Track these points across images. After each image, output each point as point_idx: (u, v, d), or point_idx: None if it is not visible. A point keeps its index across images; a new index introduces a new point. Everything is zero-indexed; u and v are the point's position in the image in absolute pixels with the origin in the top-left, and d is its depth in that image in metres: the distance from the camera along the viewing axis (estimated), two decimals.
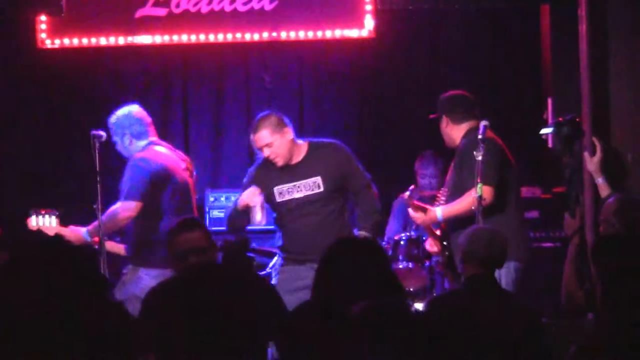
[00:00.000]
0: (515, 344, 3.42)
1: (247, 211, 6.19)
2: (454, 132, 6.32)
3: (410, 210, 6.38)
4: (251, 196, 6.16)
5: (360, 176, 6.35)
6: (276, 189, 6.25)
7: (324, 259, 3.63)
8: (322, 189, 6.24)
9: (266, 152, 6.21)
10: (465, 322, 3.52)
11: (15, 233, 7.43)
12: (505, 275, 5.92)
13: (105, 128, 6.67)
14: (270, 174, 6.28)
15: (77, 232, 6.53)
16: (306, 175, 6.23)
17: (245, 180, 6.41)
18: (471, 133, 6.22)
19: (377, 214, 6.40)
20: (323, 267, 3.60)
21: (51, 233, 6.26)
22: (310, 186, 6.25)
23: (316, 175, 6.24)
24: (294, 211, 6.23)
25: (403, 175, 8.26)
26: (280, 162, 6.21)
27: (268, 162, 6.27)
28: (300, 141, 6.30)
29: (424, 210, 6.27)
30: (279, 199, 6.26)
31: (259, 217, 6.16)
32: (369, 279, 3.51)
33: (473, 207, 5.92)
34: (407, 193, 6.47)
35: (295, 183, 6.24)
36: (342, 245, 3.76)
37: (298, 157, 6.26)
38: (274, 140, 6.19)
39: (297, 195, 6.24)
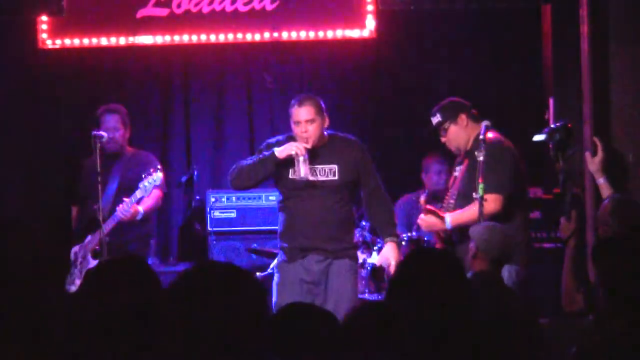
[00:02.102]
0: (512, 343, 3.41)
1: (279, 163, 6.20)
2: (471, 132, 6.29)
3: (422, 215, 6.31)
4: (301, 147, 6.18)
5: (374, 177, 6.47)
6: (292, 170, 6.27)
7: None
8: (336, 177, 6.32)
9: (303, 128, 6.25)
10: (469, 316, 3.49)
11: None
12: (507, 279, 5.91)
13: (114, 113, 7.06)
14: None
15: (136, 209, 7.02)
16: (325, 161, 6.31)
17: (262, 147, 6.40)
18: (485, 136, 6.23)
19: (394, 216, 6.53)
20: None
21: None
22: (326, 172, 6.32)
23: (334, 164, 6.32)
24: (305, 191, 6.26)
25: (404, 175, 8.26)
26: (310, 142, 6.26)
27: (284, 141, 6.30)
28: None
29: (437, 216, 6.23)
30: (292, 176, 6.27)
31: (304, 170, 6.17)
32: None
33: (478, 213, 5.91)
34: (423, 198, 6.43)
35: (312, 166, 6.28)
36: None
37: (320, 143, 6.32)
38: (316, 120, 6.27)
39: (312, 178, 6.28)
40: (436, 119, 6.36)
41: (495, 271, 5.38)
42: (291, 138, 6.33)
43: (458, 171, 6.40)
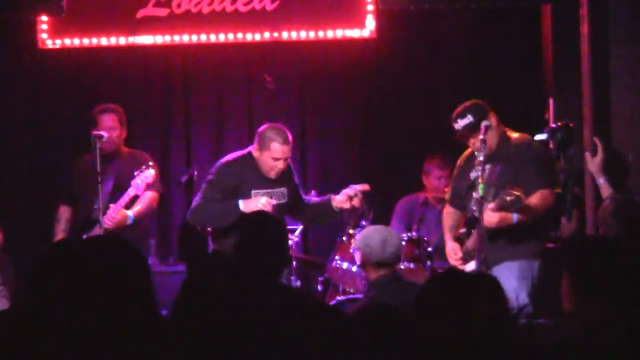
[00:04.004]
0: None
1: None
2: (499, 133, 6.28)
3: (489, 212, 6.21)
4: (267, 204, 6.37)
5: (301, 187, 6.82)
6: (254, 192, 6.50)
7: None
8: (286, 200, 6.59)
9: (280, 165, 6.48)
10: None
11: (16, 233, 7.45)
12: (530, 273, 6.00)
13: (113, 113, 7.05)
14: (247, 176, 6.51)
15: (125, 215, 6.97)
16: (277, 184, 6.55)
17: (215, 177, 6.57)
18: (508, 134, 6.22)
19: None
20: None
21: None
22: (279, 195, 6.59)
23: (284, 186, 6.59)
24: None
25: (405, 176, 8.26)
26: (279, 174, 6.51)
27: (243, 164, 6.51)
28: None
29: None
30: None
31: None
32: None
33: (542, 208, 5.95)
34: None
35: (269, 190, 6.53)
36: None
37: None
38: (290, 154, 6.56)
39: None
40: (467, 120, 6.22)
41: (394, 273, 5.52)
42: (236, 163, 6.54)
43: (479, 170, 6.33)
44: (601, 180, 6.33)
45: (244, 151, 6.67)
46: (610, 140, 6.80)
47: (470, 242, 6.16)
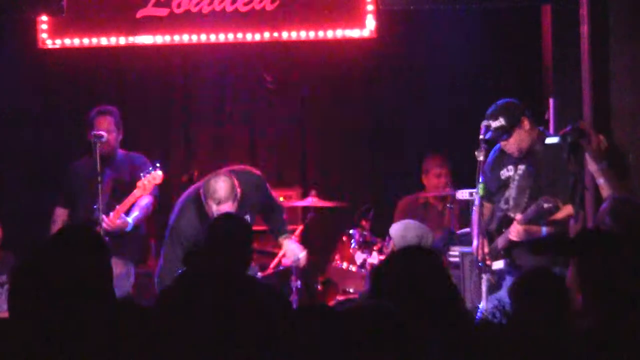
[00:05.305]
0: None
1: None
2: (532, 135, 6.24)
3: (516, 224, 6.09)
4: None
5: (274, 200, 6.67)
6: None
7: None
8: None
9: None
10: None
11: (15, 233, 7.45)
12: None
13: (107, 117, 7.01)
14: (204, 222, 6.27)
15: (125, 221, 6.91)
16: (239, 213, 6.28)
17: (174, 228, 6.44)
18: (542, 138, 6.16)
19: (284, 218, 6.78)
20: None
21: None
22: None
23: (246, 214, 6.34)
24: None
25: (404, 176, 8.26)
26: None
27: (197, 209, 6.33)
28: None
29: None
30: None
31: None
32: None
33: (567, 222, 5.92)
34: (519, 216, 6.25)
35: None
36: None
37: None
38: (233, 208, 6.20)
39: None
40: (499, 123, 6.16)
41: None
42: (189, 211, 6.40)
43: (511, 170, 6.28)
44: (601, 181, 6.31)
45: (198, 189, 6.42)
46: (610, 140, 6.79)
47: (500, 241, 6.13)
